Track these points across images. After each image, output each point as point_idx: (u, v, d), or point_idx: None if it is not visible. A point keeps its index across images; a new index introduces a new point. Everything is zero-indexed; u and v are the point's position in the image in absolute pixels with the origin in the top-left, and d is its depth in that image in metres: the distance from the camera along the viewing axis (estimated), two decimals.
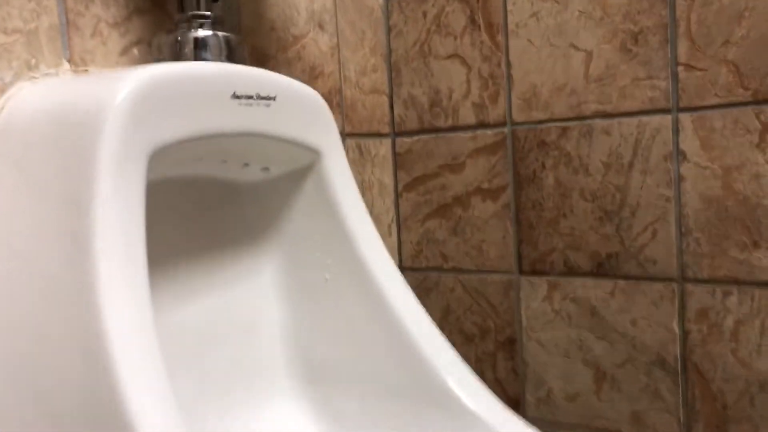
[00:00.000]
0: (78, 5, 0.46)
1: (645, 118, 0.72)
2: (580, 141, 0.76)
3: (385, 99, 0.87)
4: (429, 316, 0.54)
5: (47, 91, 0.40)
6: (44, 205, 0.35)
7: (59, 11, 0.44)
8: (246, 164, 0.52)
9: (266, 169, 0.53)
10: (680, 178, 0.71)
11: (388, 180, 0.88)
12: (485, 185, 0.83)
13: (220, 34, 0.46)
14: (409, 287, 0.55)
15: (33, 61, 0.43)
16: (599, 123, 0.75)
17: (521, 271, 0.82)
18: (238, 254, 0.55)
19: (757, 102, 0.66)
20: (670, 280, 0.72)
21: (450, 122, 0.84)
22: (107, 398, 0.31)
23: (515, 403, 0.84)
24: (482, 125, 0.82)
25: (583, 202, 0.77)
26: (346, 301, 0.52)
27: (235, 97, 0.44)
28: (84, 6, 0.46)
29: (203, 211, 0.52)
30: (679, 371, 0.73)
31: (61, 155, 0.35)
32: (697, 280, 0.71)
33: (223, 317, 0.53)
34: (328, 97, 0.76)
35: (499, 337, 0.84)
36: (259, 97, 0.46)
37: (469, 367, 0.53)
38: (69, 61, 0.45)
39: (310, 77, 0.72)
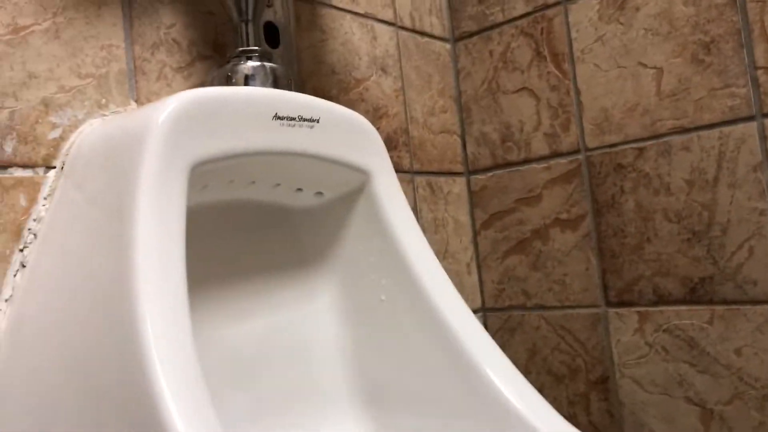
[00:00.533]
0: (145, 53, 0.51)
1: (727, 129, 0.67)
2: (659, 160, 0.72)
3: (456, 139, 0.88)
4: (487, 333, 0.52)
5: (110, 122, 0.44)
6: (95, 215, 0.37)
7: (127, 58, 0.49)
8: (299, 189, 0.53)
9: (320, 193, 0.54)
10: None
11: (464, 218, 0.87)
12: (563, 215, 0.80)
13: (267, 65, 0.49)
14: (465, 304, 0.53)
15: (103, 101, 0.48)
16: (677, 139, 0.71)
17: (608, 303, 0.77)
18: (293, 277, 0.56)
19: None
20: None
21: (523, 155, 0.83)
22: (140, 399, 0.32)
23: None
24: (556, 155, 0.80)
25: (667, 224, 0.72)
26: (403, 321, 0.51)
27: (277, 118, 0.46)
28: (150, 53, 0.51)
29: (259, 234, 0.53)
30: None
31: (111, 170, 0.38)
32: None
33: (278, 339, 0.53)
34: (393, 137, 0.77)
35: (591, 376, 0.78)
36: (302, 119, 0.48)
37: (531, 385, 0.50)
38: (136, 101, 0.49)
39: (374, 118, 0.74)
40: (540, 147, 0.81)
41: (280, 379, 0.53)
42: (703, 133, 0.69)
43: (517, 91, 0.83)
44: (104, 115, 0.48)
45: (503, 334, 0.86)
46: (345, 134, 0.52)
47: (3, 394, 0.39)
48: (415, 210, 0.79)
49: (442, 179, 0.85)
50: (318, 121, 0.49)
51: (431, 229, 0.81)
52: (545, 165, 0.81)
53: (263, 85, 0.48)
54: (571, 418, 0.80)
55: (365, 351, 0.53)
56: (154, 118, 0.39)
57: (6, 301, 0.42)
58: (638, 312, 0.74)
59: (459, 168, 0.88)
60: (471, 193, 0.88)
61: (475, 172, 0.88)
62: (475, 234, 0.88)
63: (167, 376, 0.31)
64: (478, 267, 0.88)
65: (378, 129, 0.75)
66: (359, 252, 0.54)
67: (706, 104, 0.69)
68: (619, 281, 0.76)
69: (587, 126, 0.77)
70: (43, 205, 0.44)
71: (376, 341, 0.53)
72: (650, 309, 0.73)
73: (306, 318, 0.56)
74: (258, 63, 0.49)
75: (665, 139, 0.71)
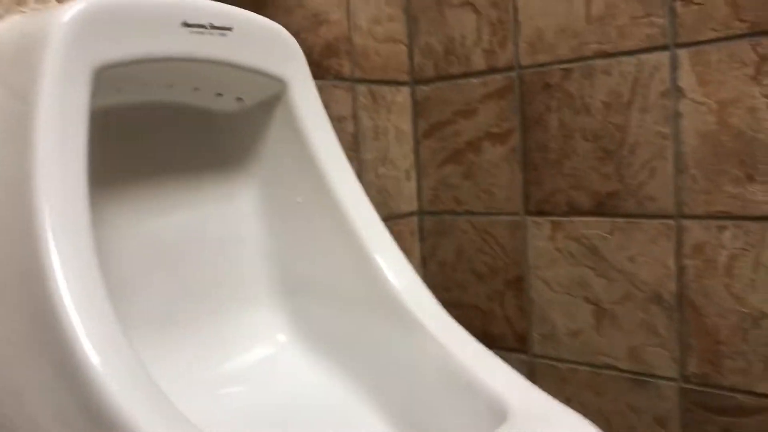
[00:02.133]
0: None
1: (644, 56, 0.70)
2: (582, 82, 0.75)
3: (403, 48, 0.89)
4: (393, 240, 0.56)
5: (26, 18, 0.46)
6: (12, 108, 0.40)
7: None
8: (219, 94, 0.56)
9: (240, 99, 0.57)
10: (677, 115, 0.69)
11: (407, 127, 0.91)
12: (495, 129, 0.83)
13: None
14: (373, 210, 0.57)
15: None
16: (600, 63, 0.74)
17: (527, 212, 0.82)
18: (214, 177, 0.59)
19: (753, 34, 0.63)
20: (668, 216, 0.71)
21: (463, 69, 0.85)
22: (37, 291, 0.36)
23: (522, 339, 0.85)
24: (492, 70, 0.83)
25: (584, 143, 0.76)
26: (316, 222, 0.56)
27: (186, 25, 0.48)
28: None
29: (181, 136, 0.56)
30: (674, 307, 0.72)
31: (20, 68, 0.40)
32: (693, 216, 0.69)
33: (199, 232, 0.58)
34: (333, 44, 0.79)
35: (508, 275, 0.85)
36: (213, 27, 0.50)
37: (425, 286, 0.55)
38: None
39: (313, 24, 0.75)
40: (478, 62, 0.84)
41: (200, 269, 0.58)
42: (623, 58, 0.72)
43: (462, 5, 0.84)
44: (23, 11, 0.49)
45: (435, 237, 0.92)
46: (261, 43, 0.54)
47: None
48: (354, 117, 0.82)
49: (385, 88, 0.87)
50: (231, 29, 0.51)
51: (370, 136, 0.85)
52: (482, 80, 0.84)
53: None
54: (489, 311, 0.88)
55: (282, 247, 0.58)
56: (57, 20, 0.41)
57: None
58: (552, 221, 0.80)
59: (404, 77, 0.90)
60: (415, 102, 0.91)
61: (420, 82, 0.90)
62: (417, 143, 0.92)
63: (64, 271, 0.35)
64: (418, 174, 0.92)
65: (317, 36, 0.77)
66: (278, 156, 0.57)
67: (628, 31, 0.71)
68: (539, 192, 0.81)
69: (522, 44, 0.79)
70: None
71: (292, 239, 0.57)
72: (563, 219, 0.79)
73: (226, 215, 0.60)
74: None
75: (589, 62, 0.74)
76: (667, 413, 0.74)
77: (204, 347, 0.57)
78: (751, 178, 0.65)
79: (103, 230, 0.52)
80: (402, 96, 0.90)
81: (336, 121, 0.79)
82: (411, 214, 0.92)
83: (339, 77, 0.80)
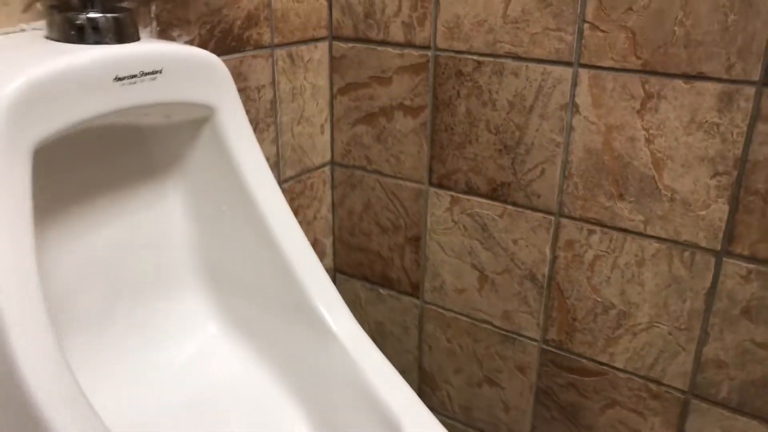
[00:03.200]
0: None
1: (549, 67, 0.72)
2: (492, 77, 0.77)
3: (323, 4, 0.85)
4: (311, 248, 0.61)
5: None
6: None
7: None
8: (146, 114, 0.55)
9: (167, 116, 0.56)
10: (571, 128, 0.73)
11: (323, 83, 0.90)
12: (407, 102, 0.85)
13: (109, 15, 0.47)
14: (295, 222, 0.60)
15: None
16: (510, 64, 0.75)
17: (431, 183, 0.87)
18: (145, 185, 0.60)
19: (645, 72, 0.67)
20: (549, 213, 0.78)
21: (381, 36, 0.84)
22: None
23: (416, 287, 0.94)
24: (409, 45, 0.82)
25: (487, 134, 0.79)
26: (240, 228, 0.59)
27: (118, 79, 0.46)
28: None
29: (112, 151, 0.56)
30: (545, 286, 0.82)
31: None
32: (570, 217, 0.77)
33: (132, 238, 0.60)
34: (254, 13, 0.75)
35: (408, 233, 0.91)
36: (144, 74, 0.48)
37: (339, 294, 0.61)
38: None
39: None
40: (397, 33, 0.82)
41: (135, 271, 0.61)
42: (531, 65, 0.73)
43: None
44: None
45: (345, 186, 0.95)
46: (189, 76, 0.52)
47: None
48: (274, 83, 0.81)
49: (303, 48, 0.84)
50: (161, 72, 0.49)
51: (288, 98, 0.84)
52: (399, 52, 0.83)
53: (106, 38, 0.47)
54: (389, 259, 0.95)
55: (209, 246, 0.61)
56: None
57: None
58: (451, 196, 0.85)
59: (323, 33, 0.87)
60: (332, 58, 0.89)
61: (338, 38, 0.88)
62: (332, 97, 0.91)
63: (8, 288, 0.38)
64: (332, 127, 0.93)
65: (238, 9, 0.72)
66: (205, 168, 0.58)
67: (539, 40, 0.72)
68: (442, 168, 0.85)
69: (440, 27, 0.79)
70: None
71: (220, 240, 0.61)
72: (461, 196, 0.85)
73: (157, 218, 0.61)
74: (100, 14, 0.46)
75: (501, 60, 0.75)
76: (528, 364, 0.87)
77: (138, 342, 0.62)
78: (621, 197, 0.73)
79: (45, 252, 0.54)
80: (320, 53, 0.87)
81: (255, 90, 0.78)
82: (324, 165, 0.94)
83: (258, 46, 0.77)
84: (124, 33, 0.48)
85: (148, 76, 0.48)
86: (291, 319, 0.61)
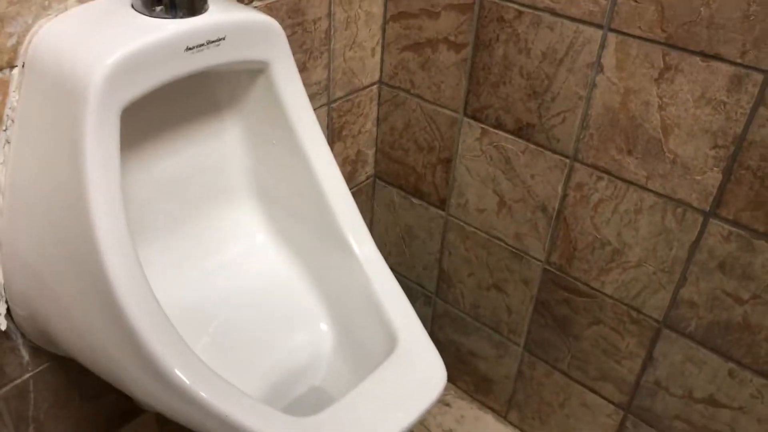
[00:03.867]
0: None
1: (582, 27, 0.76)
2: (530, 27, 0.81)
3: None
4: (344, 181, 0.71)
5: (57, 37, 0.53)
6: (57, 128, 0.52)
7: None
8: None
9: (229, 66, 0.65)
10: (594, 85, 0.78)
11: (377, 10, 0.95)
12: (452, 38, 0.90)
13: None
14: (332, 157, 0.71)
15: (46, 3, 0.55)
16: (547, 18, 0.79)
17: (465, 114, 0.94)
18: (207, 122, 0.71)
19: (667, 45, 0.71)
20: (565, 156, 0.86)
21: None
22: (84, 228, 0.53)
23: (443, 201, 1.04)
24: None
25: (519, 78, 0.85)
26: (286, 159, 0.69)
27: (188, 49, 0.55)
28: None
29: (178, 94, 0.66)
30: (553, 217, 0.91)
31: (65, 102, 0.50)
32: (583, 163, 0.84)
33: (198, 163, 0.72)
34: None
35: (441, 155, 1.00)
36: (209, 42, 0.57)
37: (363, 222, 0.72)
38: None
39: None
40: None
41: (199, 189, 0.74)
42: (566, 22, 0.77)
43: None
44: (48, 15, 0.55)
45: (390, 105, 1.03)
46: (249, 40, 0.61)
47: (11, 223, 0.59)
48: (330, 14, 0.87)
49: None
50: (224, 38, 0.58)
51: (342, 27, 0.90)
52: None
53: (180, 11, 0.55)
54: (422, 174, 1.05)
55: (261, 171, 0.74)
56: (91, 75, 0.50)
57: (1, 164, 0.58)
58: (482, 128, 0.93)
59: None
60: None
61: None
62: (385, 23, 0.97)
63: (98, 200, 0.50)
64: (382, 50, 0.99)
65: None
66: (258, 108, 0.69)
67: (576, 1, 0.75)
68: (477, 103, 0.92)
69: None
70: (14, 97, 0.56)
71: (267, 166, 0.73)
72: (490, 129, 0.92)
73: (218, 147, 0.73)
74: None
75: (539, 13, 0.79)
76: (531, 279, 0.99)
77: (199, 246, 0.76)
78: (629, 152, 0.79)
79: (128, 175, 0.67)
80: None
81: (311, 23, 0.85)
82: (372, 84, 1.02)
83: None
84: (195, 7, 0.56)
85: (213, 44, 0.57)
86: (323, 237, 0.73)
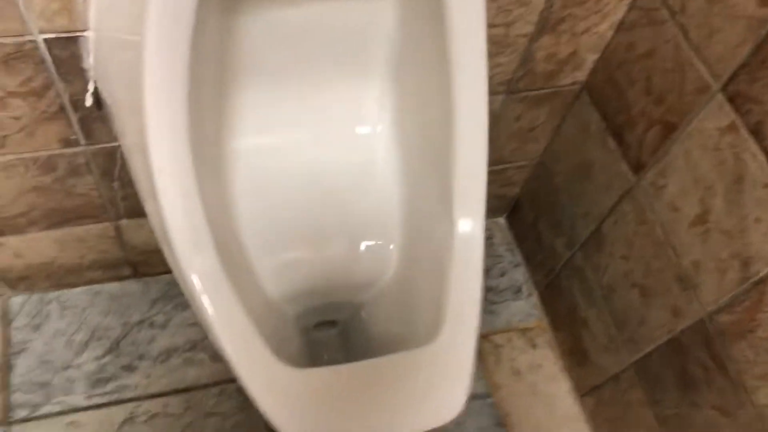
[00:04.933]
0: None
1: None
2: None
3: None
4: (486, 123, 0.54)
5: None
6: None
7: None
8: None
9: None
10: None
11: None
12: None
13: None
14: (483, 84, 0.53)
15: None
16: None
17: (724, 89, 0.63)
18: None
19: None
20: None
21: None
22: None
23: (640, 168, 0.78)
24: None
25: None
26: (433, 70, 0.55)
27: None
28: None
29: None
30: (753, 280, 0.64)
31: None
32: None
33: (328, 21, 0.58)
34: None
35: (668, 115, 0.72)
36: None
37: (482, 197, 0.56)
38: None
39: None
40: None
41: (329, 46, 0.61)
42: None
43: None
44: None
45: (643, 16, 0.73)
46: None
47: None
48: None
49: None
50: None
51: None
52: None
53: None
54: (633, 121, 0.78)
55: (406, 51, 0.60)
56: None
57: None
58: (733, 121, 0.63)
59: None
60: None
61: None
62: None
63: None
64: None
65: None
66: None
67: None
68: (747, 85, 0.60)
69: None
70: None
71: (412, 48, 0.59)
72: (743, 129, 0.62)
73: (359, 8, 0.58)
74: None
75: None
76: (682, 314, 0.75)
77: (308, 113, 0.65)
78: None
79: (235, 17, 0.55)
80: None
81: None
82: None
83: None
84: None
85: None
86: (434, 184, 0.59)
